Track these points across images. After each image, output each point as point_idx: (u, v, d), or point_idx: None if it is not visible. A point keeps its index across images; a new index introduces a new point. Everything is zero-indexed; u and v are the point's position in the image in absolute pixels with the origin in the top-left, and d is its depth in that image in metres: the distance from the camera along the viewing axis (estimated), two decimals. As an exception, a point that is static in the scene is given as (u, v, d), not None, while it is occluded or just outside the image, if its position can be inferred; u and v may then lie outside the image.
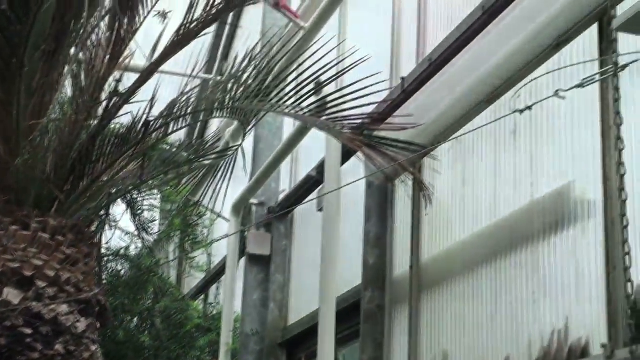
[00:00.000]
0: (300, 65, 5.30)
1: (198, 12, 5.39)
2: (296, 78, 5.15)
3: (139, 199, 9.01)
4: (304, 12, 7.87)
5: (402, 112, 6.05)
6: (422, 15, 6.75)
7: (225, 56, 12.40)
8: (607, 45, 4.05)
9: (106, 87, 5.20)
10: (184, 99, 5.18)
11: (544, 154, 4.89)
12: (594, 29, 4.49)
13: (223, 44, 12.58)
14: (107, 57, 5.12)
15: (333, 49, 5.26)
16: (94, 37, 5.13)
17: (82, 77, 5.13)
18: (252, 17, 10.66)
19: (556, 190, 4.71)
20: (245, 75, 5.21)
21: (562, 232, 4.64)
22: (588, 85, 3.73)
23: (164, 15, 5.67)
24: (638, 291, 3.69)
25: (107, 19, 5.43)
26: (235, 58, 5.35)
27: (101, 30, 5.13)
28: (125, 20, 5.13)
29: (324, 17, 7.25)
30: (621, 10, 4.18)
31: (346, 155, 7.02)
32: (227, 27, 11.88)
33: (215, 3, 5.42)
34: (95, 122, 5.06)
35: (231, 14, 11.00)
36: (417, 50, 6.73)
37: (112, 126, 5.39)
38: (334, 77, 5.21)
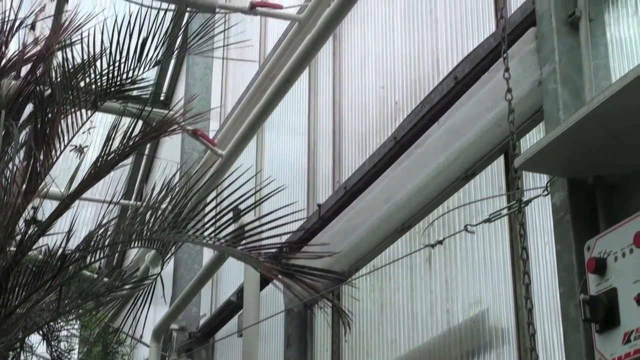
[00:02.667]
0: (218, 194, 5.35)
1: (115, 144, 5.45)
2: (214, 207, 5.20)
3: (56, 326, 8.84)
4: (221, 140, 7.98)
5: (319, 239, 6.12)
6: (337, 142, 6.89)
7: (146, 178, 12.40)
8: (512, 179, 4.19)
9: (21, 221, 5.17)
10: (101, 230, 5.18)
11: (459, 282, 4.97)
12: (500, 160, 4.66)
13: (143, 167, 12.60)
14: (22, 191, 5.10)
15: (250, 178, 5.33)
16: (8, 172, 5.12)
17: (-4, 212, 5.09)
18: (171, 142, 10.74)
19: (471, 318, 4.79)
20: (163, 206, 5.24)
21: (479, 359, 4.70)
22: (495, 220, 3.85)
23: (80, 150, 5.70)
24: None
25: (22, 153, 5.44)
26: (153, 189, 5.39)
27: (16, 165, 5.13)
28: (41, 155, 5.15)
29: (240, 145, 7.36)
30: (524, 142, 4.36)
31: (265, 281, 7.03)
32: (146, 153, 11.94)
33: (132, 135, 5.49)
34: (10, 252, 5.03)
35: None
36: (333, 176, 6.85)
37: (30, 253, 5.34)
38: (252, 207, 5.27)
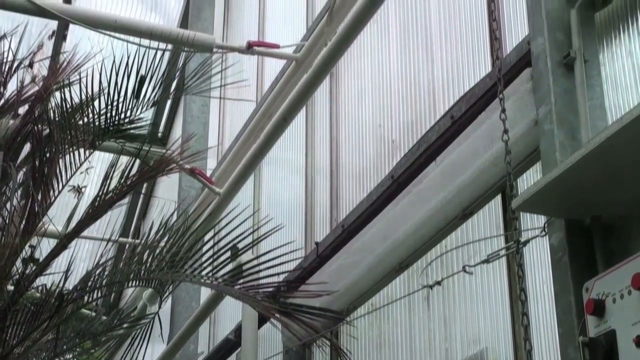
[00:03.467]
0: (216, 233, 5.34)
1: (113, 183, 5.45)
2: (212, 247, 5.19)
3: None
4: (219, 178, 8.00)
5: (317, 277, 6.12)
6: (334, 180, 6.90)
7: (143, 216, 12.39)
8: (509, 219, 4.19)
9: (18, 261, 5.16)
10: (98, 270, 5.17)
11: (457, 321, 4.96)
12: (498, 200, 4.67)
13: (140, 205, 12.60)
14: (20, 231, 5.09)
15: (248, 217, 5.33)
16: (5, 212, 5.11)
17: (-7, 253, 5.07)
18: (168, 179, 10.76)
19: (470, 358, 4.77)
20: (161, 244, 5.23)
21: (478, 399, 4.68)
22: (494, 260, 3.85)
23: (78, 191, 5.69)
24: None
25: (20, 192, 5.44)
26: (151, 228, 5.38)
27: (14, 205, 5.12)
28: (39, 195, 5.15)
29: (238, 183, 7.36)
30: (522, 181, 4.38)
31: (263, 318, 7.01)
32: (143, 192, 11.95)
33: (130, 174, 5.49)
34: (8, 291, 5.02)
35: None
36: (331, 214, 6.85)
37: (27, 292, 5.33)
38: (249, 246, 5.27)
